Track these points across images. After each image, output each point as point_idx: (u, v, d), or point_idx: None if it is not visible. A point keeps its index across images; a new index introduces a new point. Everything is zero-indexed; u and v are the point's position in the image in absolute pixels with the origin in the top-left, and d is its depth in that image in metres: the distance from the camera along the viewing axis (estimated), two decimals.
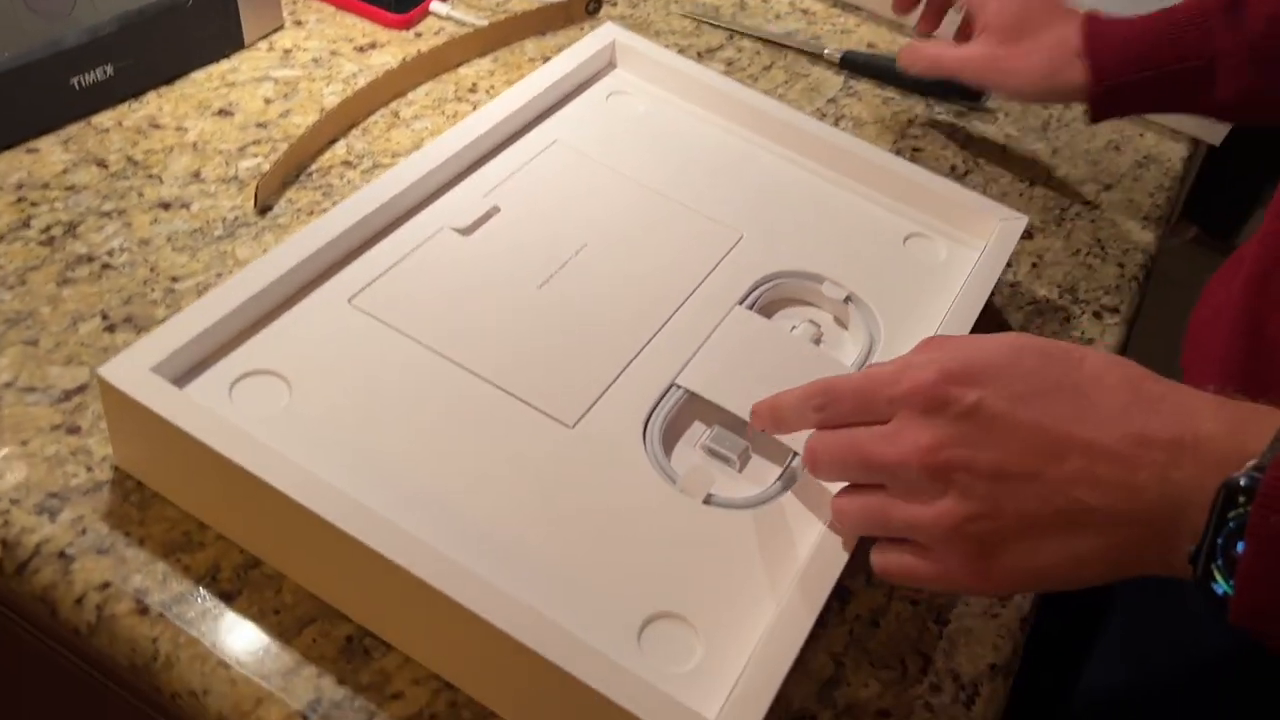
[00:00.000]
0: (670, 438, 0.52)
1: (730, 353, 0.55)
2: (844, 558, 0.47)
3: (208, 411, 0.45)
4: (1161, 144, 0.85)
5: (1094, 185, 0.80)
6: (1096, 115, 0.71)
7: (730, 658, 0.44)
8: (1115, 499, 0.38)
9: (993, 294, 0.63)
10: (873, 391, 0.44)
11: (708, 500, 0.49)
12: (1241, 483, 0.35)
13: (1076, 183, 0.80)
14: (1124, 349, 0.69)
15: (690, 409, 0.53)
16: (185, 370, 0.49)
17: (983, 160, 0.80)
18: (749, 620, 0.46)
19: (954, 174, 0.78)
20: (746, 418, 0.51)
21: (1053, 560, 0.40)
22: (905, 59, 0.75)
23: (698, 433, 0.53)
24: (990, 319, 0.67)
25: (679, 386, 0.53)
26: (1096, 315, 0.70)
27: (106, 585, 0.46)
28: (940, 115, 0.83)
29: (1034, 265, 0.72)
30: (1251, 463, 0.35)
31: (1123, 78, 0.68)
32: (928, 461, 0.41)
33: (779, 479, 0.51)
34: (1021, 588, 0.42)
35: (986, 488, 0.40)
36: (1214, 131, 0.87)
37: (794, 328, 0.58)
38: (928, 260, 0.65)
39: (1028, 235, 0.74)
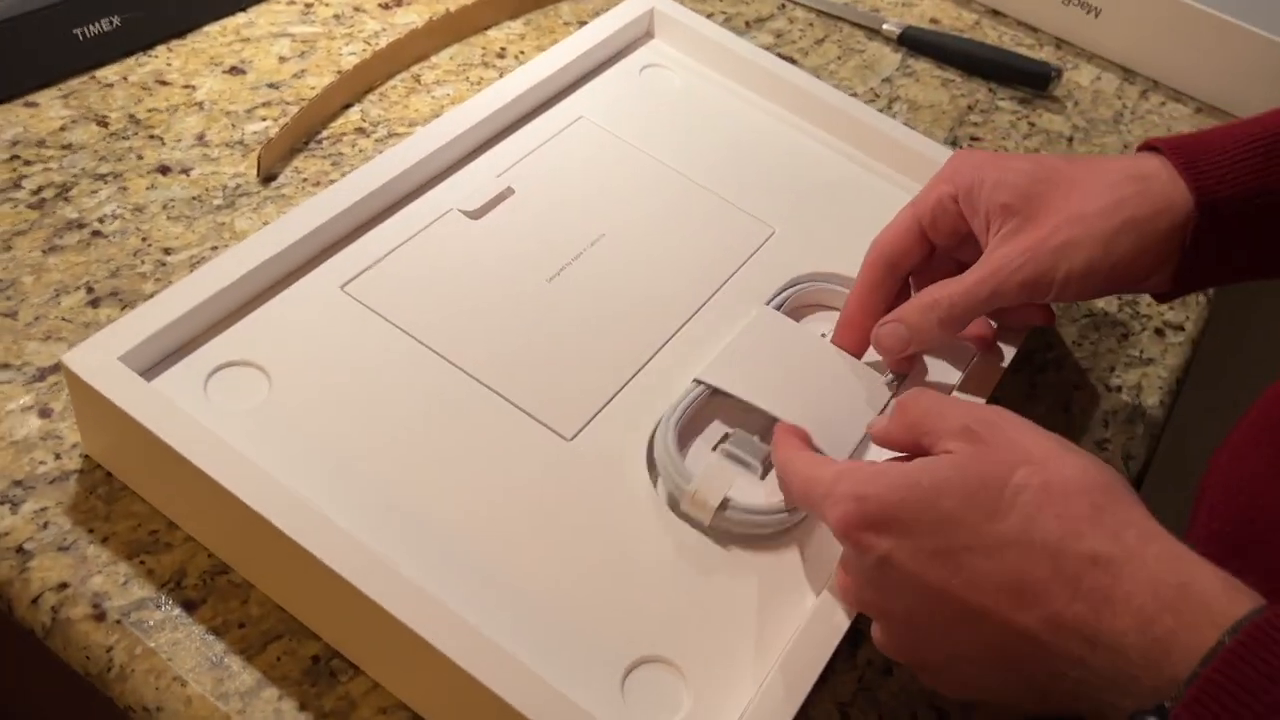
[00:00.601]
0: (685, 439, 0.48)
1: (754, 352, 0.51)
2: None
3: (175, 408, 0.42)
4: None
5: None
6: (1193, 257, 0.47)
7: (722, 710, 0.41)
8: (1031, 670, 0.35)
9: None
10: (809, 503, 0.42)
11: (724, 506, 0.44)
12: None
13: None
14: (1188, 370, 0.64)
15: (706, 412, 0.49)
16: (159, 359, 0.45)
17: (1046, 154, 0.74)
18: (745, 668, 0.42)
19: None
20: (774, 414, 0.47)
21: (985, 688, 0.38)
22: (890, 345, 0.50)
23: (713, 437, 0.49)
24: (1040, 331, 0.62)
25: (700, 383, 0.49)
26: (1158, 333, 0.64)
27: (64, 586, 0.43)
28: (1003, 102, 0.77)
29: None
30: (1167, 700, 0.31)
31: (1231, 188, 0.46)
32: (849, 598, 0.41)
33: (788, 511, 0.47)
34: (973, 698, 0.41)
35: (902, 632, 0.39)
36: None
37: (824, 335, 0.54)
38: None
39: None
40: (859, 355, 0.52)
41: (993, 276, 0.47)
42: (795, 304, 0.55)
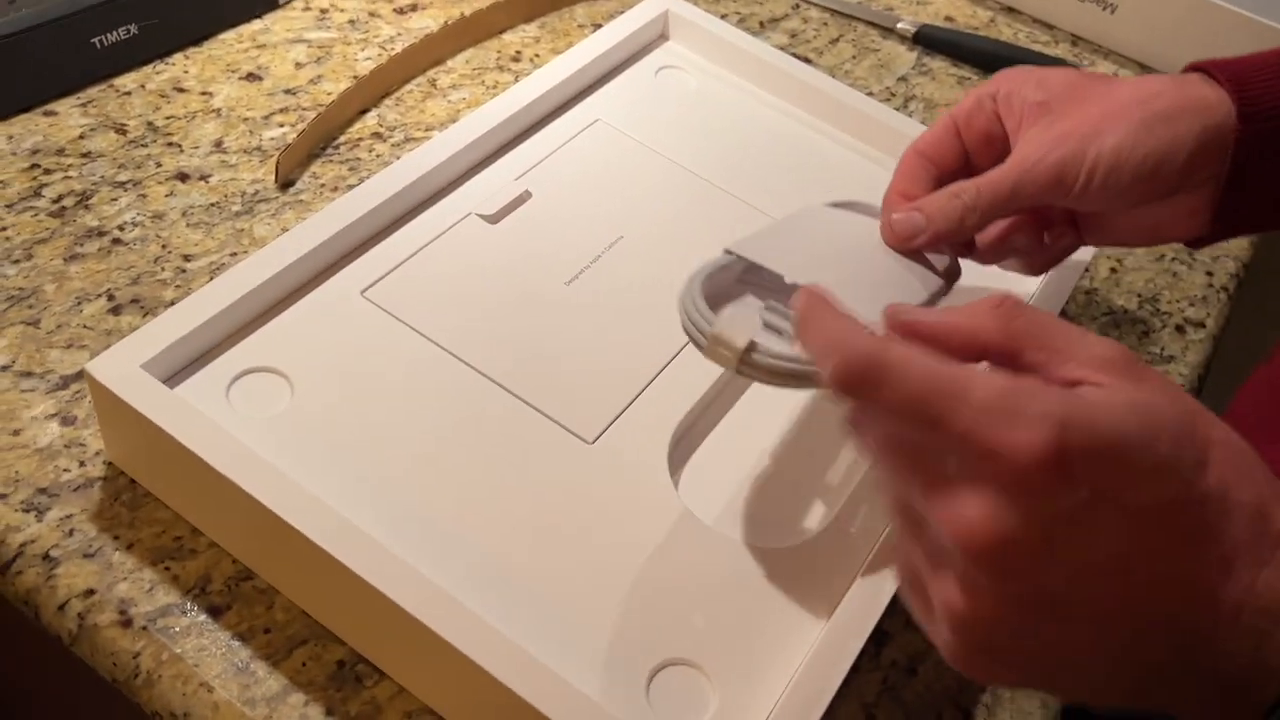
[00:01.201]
0: (713, 305, 0.43)
1: (795, 233, 0.47)
2: (883, 603, 0.43)
3: (199, 414, 0.42)
4: None
5: None
6: (1238, 171, 0.44)
7: (749, 712, 0.41)
8: (1190, 660, 0.30)
9: (1067, 302, 0.57)
10: (946, 406, 0.29)
11: (750, 349, 0.38)
12: None
13: None
14: (1208, 367, 0.63)
15: (738, 289, 0.45)
16: (181, 366, 0.46)
17: None
18: (771, 668, 0.42)
19: None
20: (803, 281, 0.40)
21: (1064, 688, 0.32)
22: (901, 231, 0.46)
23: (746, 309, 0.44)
24: None
25: (731, 253, 0.44)
26: (1179, 329, 0.64)
27: (90, 593, 0.43)
28: None
29: (1113, 271, 0.66)
30: None
31: (1272, 89, 0.44)
32: (981, 551, 0.29)
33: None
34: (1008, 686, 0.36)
35: (1033, 615, 0.30)
36: None
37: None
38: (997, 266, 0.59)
39: None
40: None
41: (1018, 165, 0.44)
42: None
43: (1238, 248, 0.69)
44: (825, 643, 0.41)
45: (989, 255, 0.50)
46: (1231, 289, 0.67)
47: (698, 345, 0.40)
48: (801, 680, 0.40)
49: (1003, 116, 0.47)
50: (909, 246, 0.46)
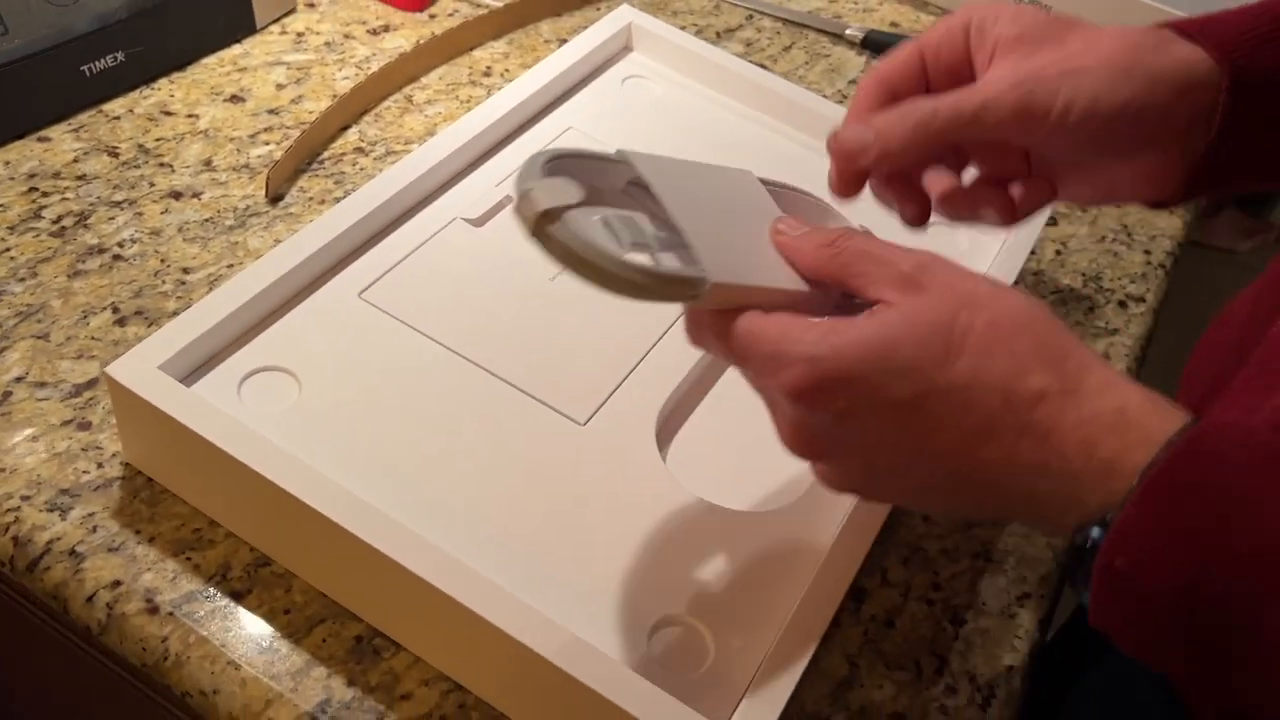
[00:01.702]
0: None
1: (701, 177, 0.44)
2: (859, 560, 0.46)
3: (215, 409, 0.45)
4: None
5: None
6: (1225, 131, 0.43)
7: (742, 661, 0.44)
8: (984, 497, 0.37)
9: (1016, 283, 0.62)
10: (744, 359, 0.38)
11: (552, 219, 0.35)
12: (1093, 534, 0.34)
13: None
14: (1149, 339, 0.68)
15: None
16: (194, 367, 0.48)
17: None
18: (761, 622, 0.45)
19: None
20: (679, 225, 0.39)
21: (931, 508, 0.41)
22: (847, 145, 0.43)
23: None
24: None
25: (623, 155, 0.40)
26: (1121, 304, 0.68)
27: (117, 584, 0.46)
28: None
29: (1058, 253, 0.71)
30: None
31: (1260, 54, 0.42)
32: (796, 447, 0.39)
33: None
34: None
35: (856, 472, 0.39)
36: None
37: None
38: (949, 250, 0.63)
39: (1052, 221, 0.73)
40: (849, 183, 0.45)
41: (986, 88, 0.42)
42: None
43: (1171, 227, 0.74)
44: (809, 597, 0.45)
45: (953, 209, 0.47)
46: (1168, 265, 0.72)
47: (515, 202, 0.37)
48: (789, 632, 0.43)
49: (973, 49, 0.44)
50: (855, 165, 0.43)
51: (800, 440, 0.39)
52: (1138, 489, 0.33)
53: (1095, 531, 0.34)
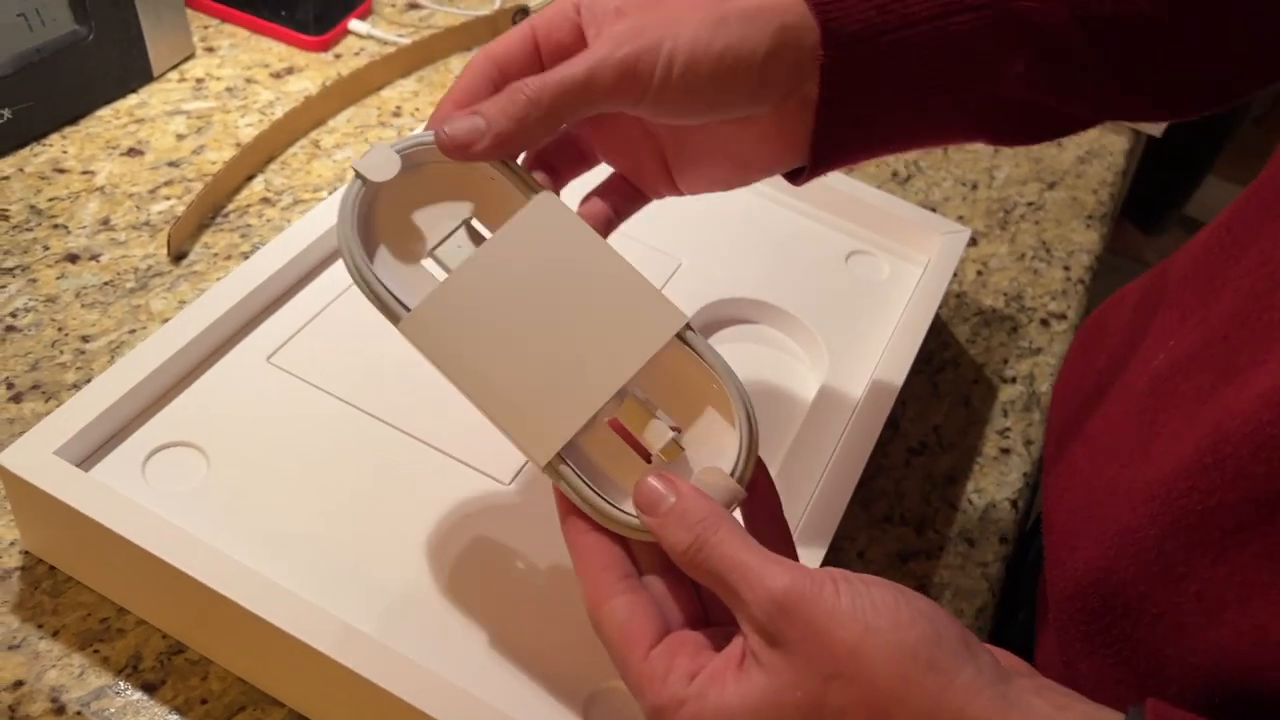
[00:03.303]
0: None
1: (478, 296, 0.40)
2: None
3: (117, 495, 0.42)
4: (1103, 137, 0.84)
5: (1037, 184, 0.79)
6: (824, 110, 0.41)
7: None
8: None
9: (939, 306, 0.61)
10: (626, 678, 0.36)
11: None
12: None
13: (1019, 182, 0.78)
14: None
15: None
16: (93, 448, 0.46)
17: (924, 164, 0.78)
18: None
19: (895, 179, 0.76)
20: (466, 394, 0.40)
21: None
22: (458, 136, 0.39)
23: None
24: (936, 333, 0.66)
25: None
26: (1044, 323, 0.69)
27: (19, 684, 0.43)
28: None
29: (979, 273, 0.71)
30: None
31: (865, 18, 0.40)
32: None
33: None
34: None
35: None
36: (1155, 124, 0.86)
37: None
38: (871, 277, 0.63)
39: (972, 241, 0.73)
40: None
41: (588, 55, 0.39)
42: (707, 319, 0.58)
43: (1089, 241, 0.75)
44: None
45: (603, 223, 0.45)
46: (1087, 280, 0.72)
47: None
48: None
49: (585, 26, 0.42)
50: (469, 155, 0.39)
51: None
52: None
53: None
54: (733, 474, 0.37)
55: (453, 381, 0.39)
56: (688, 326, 0.39)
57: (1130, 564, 0.39)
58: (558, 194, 0.42)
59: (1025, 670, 0.33)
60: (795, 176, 0.45)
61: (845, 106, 0.41)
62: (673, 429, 0.39)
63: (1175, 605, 0.37)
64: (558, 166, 0.45)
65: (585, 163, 0.46)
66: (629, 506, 0.37)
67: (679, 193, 0.46)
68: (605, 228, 0.45)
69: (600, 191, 0.45)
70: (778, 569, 0.33)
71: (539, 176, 0.42)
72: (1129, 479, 0.42)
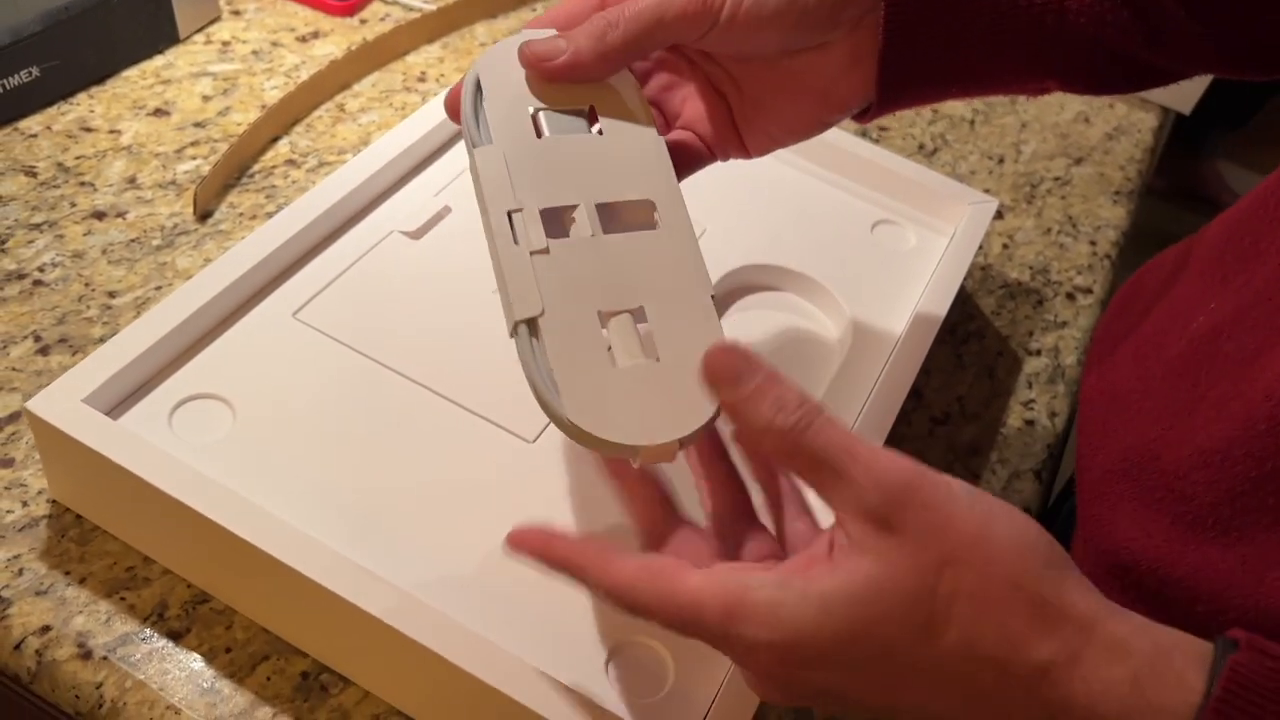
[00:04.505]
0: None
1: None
2: None
3: (145, 443, 0.43)
4: (1132, 114, 0.83)
5: (1064, 160, 0.78)
6: (886, 61, 0.41)
7: (704, 682, 0.43)
8: None
9: (965, 278, 0.61)
10: (690, 634, 0.34)
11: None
12: None
13: (1046, 157, 0.78)
14: None
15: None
16: (121, 399, 0.46)
17: (951, 137, 0.78)
18: None
19: (922, 153, 0.76)
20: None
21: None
22: (539, 50, 0.41)
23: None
24: (961, 305, 0.65)
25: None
26: (1069, 297, 0.68)
27: (46, 629, 0.43)
28: None
29: (1005, 246, 0.71)
30: None
31: None
32: (773, 699, 0.36)
33: None
34: None
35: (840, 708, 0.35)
36: (1184, 98, 0.85)
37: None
38: (896, 247, 0.63)
39: (998, 215, 0.72)
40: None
41: None
42: (730, 286, 0.58)
43: (1116, 217, 0.74)
44: None
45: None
46: (1114, 256, 0.72)
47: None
48: None
49: None
50: (549, 69, 0.41)
51: (773, 694, 0.35)
52: None
53: None
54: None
55: (486, 225, 0.39)
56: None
57: (1176, 529, 0.39)
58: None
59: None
60: (863, 115, 0.44)
61: (912, 28, 0.40)
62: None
63: (1220, 570, 0.37)
64: None
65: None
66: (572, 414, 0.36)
67: (746, 154, 0.46)
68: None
69: (670, 146, 0.44)
70: (892, 454, 0.32)
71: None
72: (1173, 443, 0.41)
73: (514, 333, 0.37)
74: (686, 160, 0.45)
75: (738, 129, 0.45)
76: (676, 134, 0.46)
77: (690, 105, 0.46)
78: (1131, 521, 0.41)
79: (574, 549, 0.36)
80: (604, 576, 0.35)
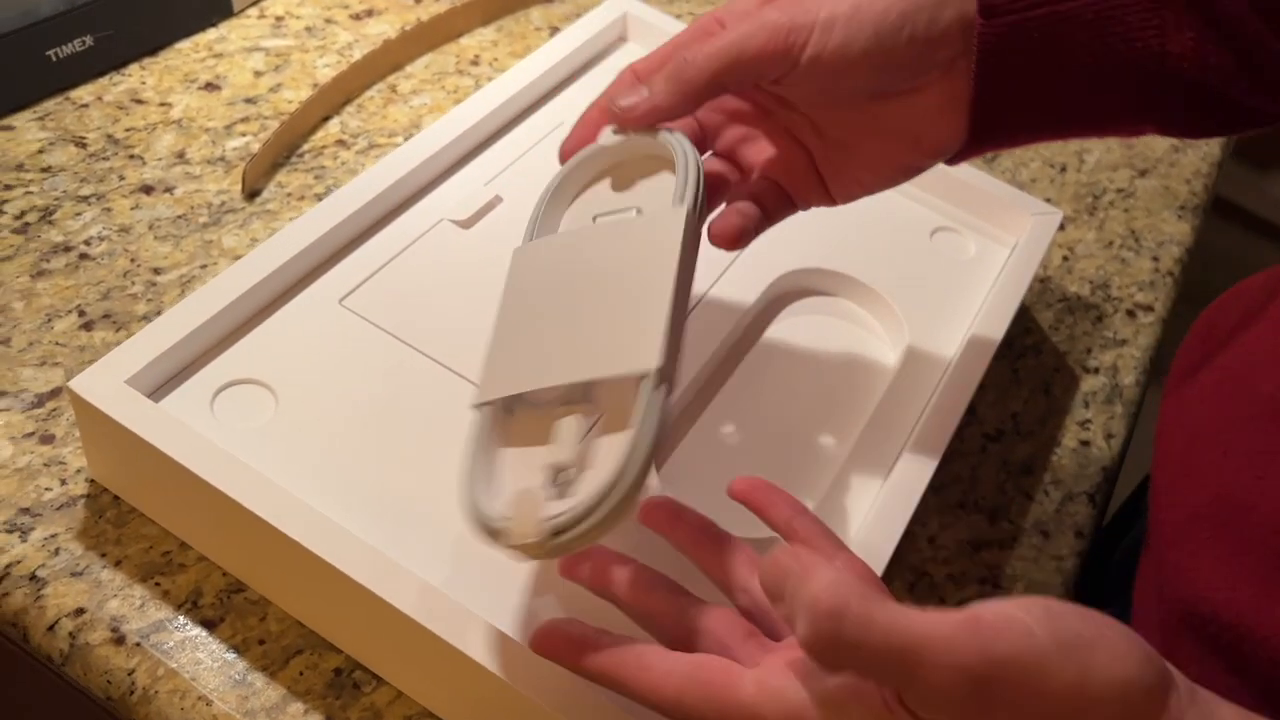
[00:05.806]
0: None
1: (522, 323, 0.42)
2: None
3: (186, 428, 0.42)
4: None
5: (1128, 171, 0.76)
6: (979, 106, 0.40)
7: None
8: None
9: (1025, 291, 0.59)
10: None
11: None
12: None
13: (1110, 168, 0.76)
14: (1158, 350, 0.66)
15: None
16: (164, 380, 0.45)
17: None
18: None
19: (982, 160, 0.74)
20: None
21: None
22: (617, 94, 0.43)
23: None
24: (1019, 318, 0.64)
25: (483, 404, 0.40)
26: (1130, 314, 0.66)
27: (81, 611, 0.43)
28: None
29: (1065, 259, 0.69)
30: None
31: (1029, 10, 0.38)
32: None
33: None
34: None
35: None
36: None
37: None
38: (956, 256, 0.61)
39: (1060, 227, 0.70)
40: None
41: (743, 23, 0.40)
42: (781, 290, 0.57)
43: (1179, 233, 0.72)
44: None
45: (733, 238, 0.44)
46: (1176, 273, 0.70)
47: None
48: None
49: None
50: (633, 119, 0.42)
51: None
52: None
53: None
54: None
55: (500, 310, 0.42)
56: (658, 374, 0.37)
57: (1267, 584, 0.37)
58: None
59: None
60: (951, 158, 0.43)
61: (1006, 72, 0.39)
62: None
63: None
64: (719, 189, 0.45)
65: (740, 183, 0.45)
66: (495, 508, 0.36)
67: (831, 202, 0.45)
68: (756, 227, 0.44)
69: (752, 193, 0.44)
70: (947, 623, 0.27)
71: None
72: (1269, 493, 0.39)
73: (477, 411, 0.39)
74: (768, 211, 0.44)
75: (821, 177, 0.44)
76: (754, 184, 0.45)
77: (767, 155, 0.45)
78: (1215, 572, 0.39)
79: (609, 661, 0.34)
80: (648, 692, 0.33)
